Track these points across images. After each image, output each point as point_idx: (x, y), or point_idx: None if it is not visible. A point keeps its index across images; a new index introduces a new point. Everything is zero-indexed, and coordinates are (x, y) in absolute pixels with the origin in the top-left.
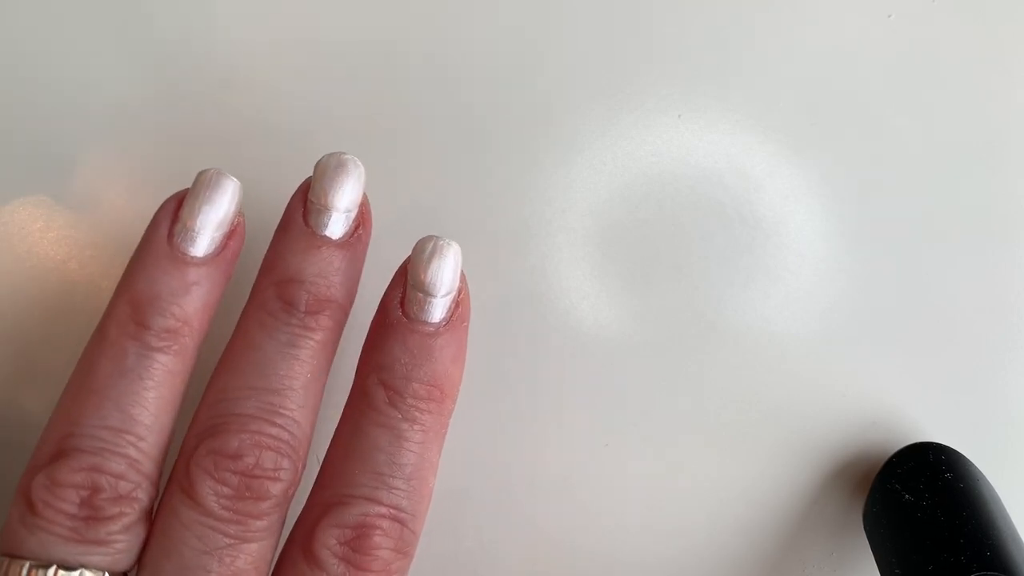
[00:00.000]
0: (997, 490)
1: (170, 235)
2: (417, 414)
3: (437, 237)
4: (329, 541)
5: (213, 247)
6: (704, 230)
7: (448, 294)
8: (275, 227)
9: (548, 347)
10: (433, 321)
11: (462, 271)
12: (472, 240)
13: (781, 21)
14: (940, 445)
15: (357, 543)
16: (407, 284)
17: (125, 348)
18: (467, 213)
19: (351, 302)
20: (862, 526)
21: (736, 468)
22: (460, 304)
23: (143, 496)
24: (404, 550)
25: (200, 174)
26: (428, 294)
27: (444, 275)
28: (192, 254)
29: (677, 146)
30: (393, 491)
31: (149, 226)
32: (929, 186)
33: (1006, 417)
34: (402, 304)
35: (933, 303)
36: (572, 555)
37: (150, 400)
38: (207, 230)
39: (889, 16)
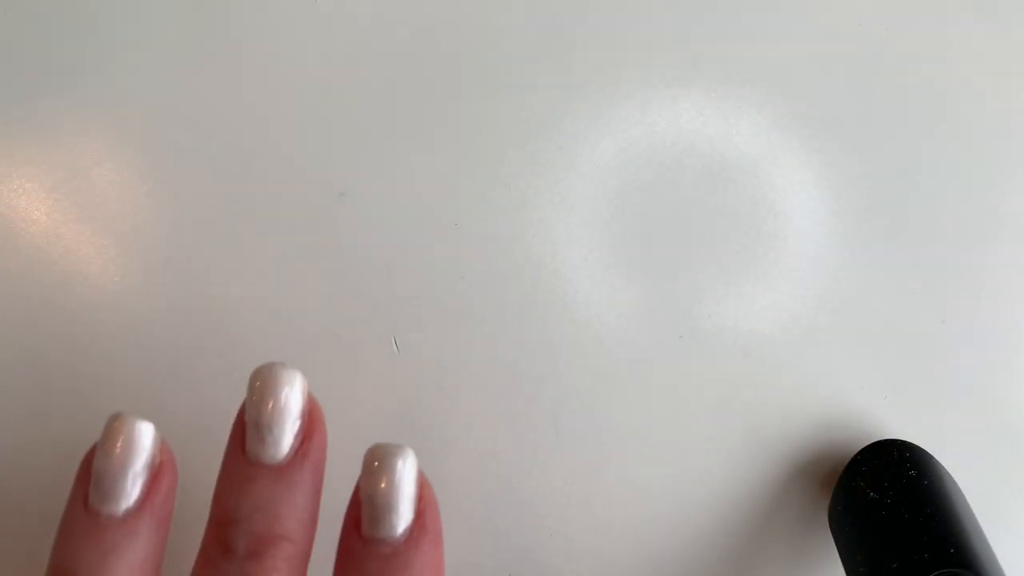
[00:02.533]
0: (961, 487)
1: (85, 498)
2: None
3: (386, 446)
4: None
5: (134, 498)
6: (678, 234)
7: (407, 506)
8: None
9: (525, 345)
10: (395, 537)
11: (422, 475)
12: (471, 240)
13: (784, 20)
14: (904, 442)
15: None
16: (361, 504)
17: None
18: (466, 213)
19: (309, 529)
20: (827, 524)
21: (701, 466)
22: (423, 513)
23: None
24: None
25: (108, 423)
26: (384, 513)
27: (402, 488)
28: (110, 513)
29: (657, 148)
30: None
31: (72, 487)
32: (898, 190)
33: (970, 414)
34: (358, 527)
35: (897, 303)
36: (541, 551)
37: None
38: (120, 485)
39: (890, 26)
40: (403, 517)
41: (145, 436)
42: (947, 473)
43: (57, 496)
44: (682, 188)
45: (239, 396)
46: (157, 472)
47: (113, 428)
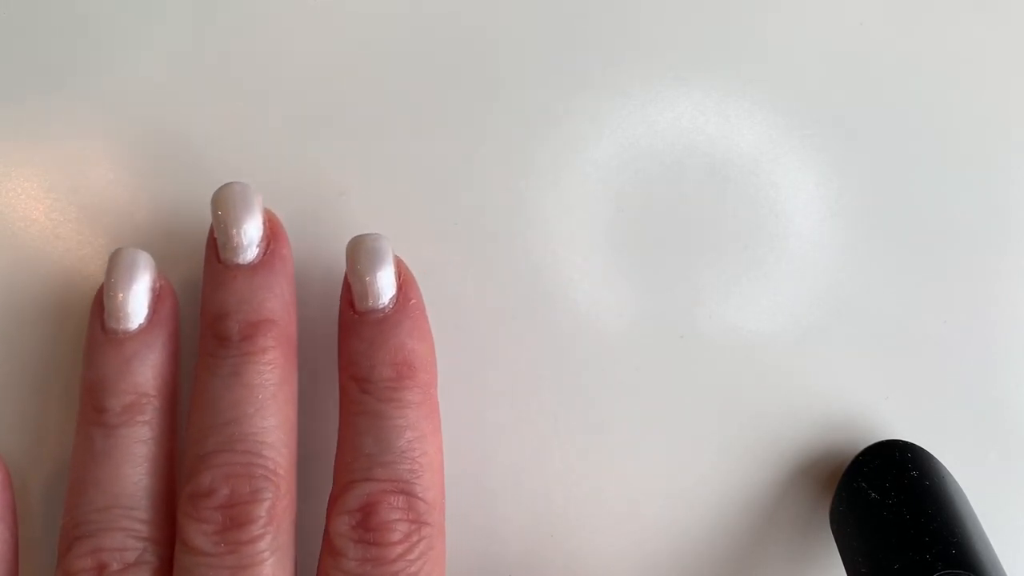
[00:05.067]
0: (963, 488)
1: (102, 324)
2: (391, 393)
3: (364, 236)
4: (341, 528)
5: (141, 319)
6: (678, 234)
7: (388, 283)
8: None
9: (525, 345)
10: (380, 307)
11: (395, 256)
12: (471, 239)
13: (785, 20)
14: (906, 443)
15: (367, 522)
16: (351, 286)
17: (91, 434)
18: (466, 213)
19: (289, 315)
20: (829, 524)
21: (702, 466)
22: (404, 286)
23: (152, 558)
24: (420, 519)
25: (111, 257)
26: (370, 290)
27: (380, 271)
28: (123, 330)
29: (657, 148)
30: (388, 466)
31: (88, 322)
32: (899, 190)
33: (972, 415)
34: (352, 305)
35: (899, 303)
36: (541, 551)
37: (129, 473)
38: (129, 306)
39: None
40: (388, 290)
41: (144, 260)
42: (949, 474)
43: (58, 497)
44: (683, 188)
45: None
46: (160, 293)
47: (115, 256)
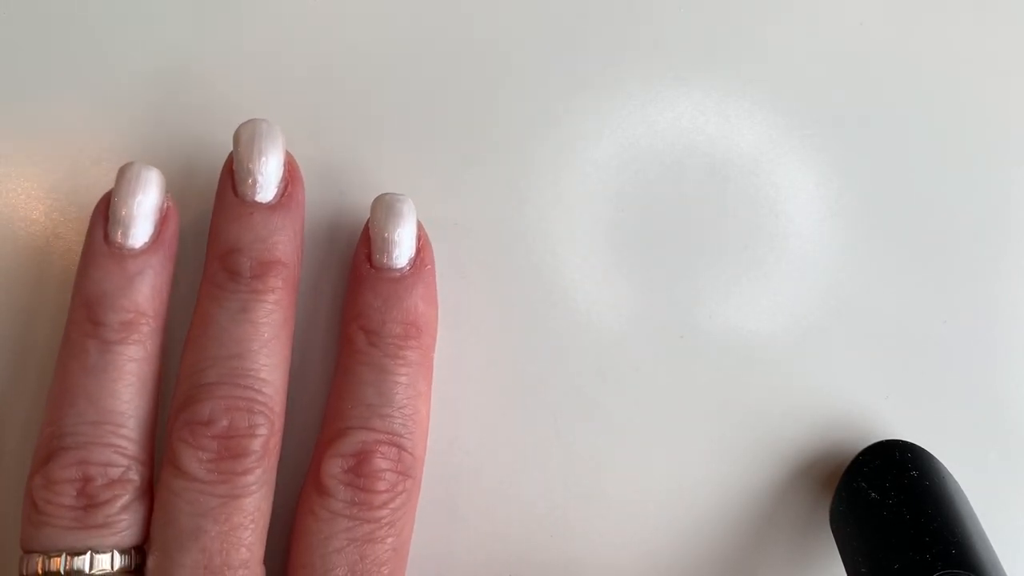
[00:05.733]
0: (963, 488)
1: (105, 235)
2: (397, 350)
3: (392, 194)
4: (334, 470)
5: (147, 236)
6: (678, 234)
7: (409, 243)
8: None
9: (525, 345)
10: (398, 266)
11: (418, 221)
12: (471, 239)
13: (785, 20)
14: (906, 443)
15: (359, 468)
16: (371, 240)
17: (87, 347)
18: (466, 213)
19: (297, 259)
20: (829, 524)
21: (702, 466)
22: (422, 250)
23: (135, 477)
24: (406, 472)
25: (121, 169)
26: (391, 247)
27: (404, 229)
28: (128, 246)
29: (657, 148)
30: (386, 418)
31: (87, 231)
32: (899, 190)
33: (972, 415)
34: (369, 259)
35: (899, 303)
36: (542, 552)
37: (121, 390)
38: (137, 222)
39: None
40: (407, 251)
41: (155, 177)
42: (949, 474)
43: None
44: (683, 188)
45: None
46: (165, 215)
47: (126, 169)
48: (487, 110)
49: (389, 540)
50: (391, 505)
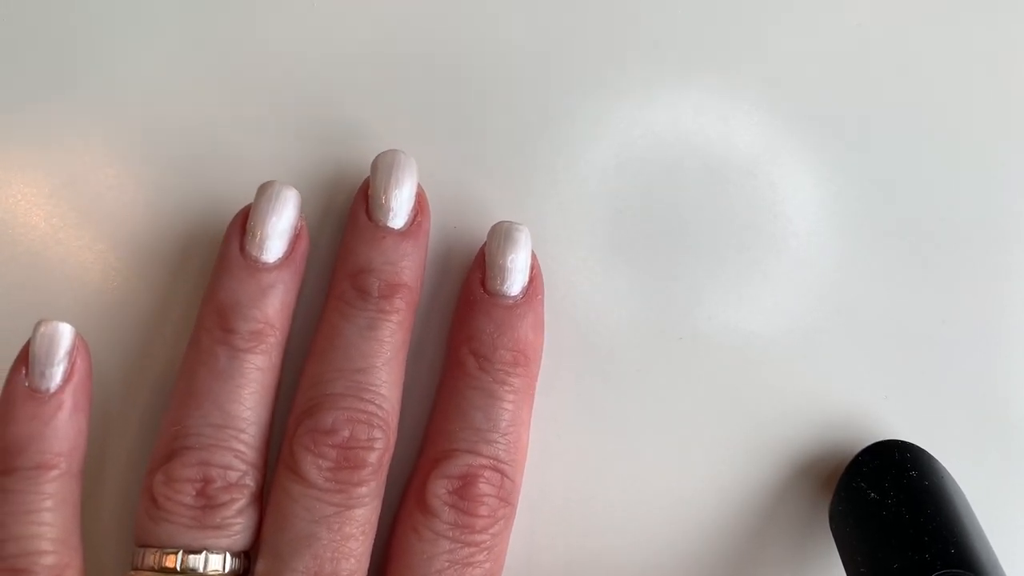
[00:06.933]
0: (963, 488)
1: (242, 247)
2: (506, 377)
3: (510, 222)
4: (439, 491)
5: (281, 252)
6: (677, 236)
7: (523, 271)
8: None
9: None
10: (512, 294)
11: (532, 251)
12: (470, 241)
13: (784, 20)
14: (906, 443)
15: (464, 491)
16: (486, 266)
17: (217, 353)
18: (464, 214)
19: (420, 285)
20: (828, 524)
21: (702, 467)
22: (534, 279)
23: (251, 482)
24: (507, 499)
25: (261, 188)
26: (506, 274)
27: (519, 256)
28: (264, 260)
29: (656, 149)
30: (492, 444)
31: (223, 242)
32: (898, 190)
33: (971, 415)
34: (483, 284)
35: (898, 304)
36: (542, 554)
37: (246, 396)
38: (274, 238)
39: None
40: (521, 279)
41: (292, 197)
42: (948, 474)
43: None
44: (681, 189)
45: None
46: (298, 233)
47: (266, 187)
48: (486, 111)
49: (487, 565)
50: (491, 530)
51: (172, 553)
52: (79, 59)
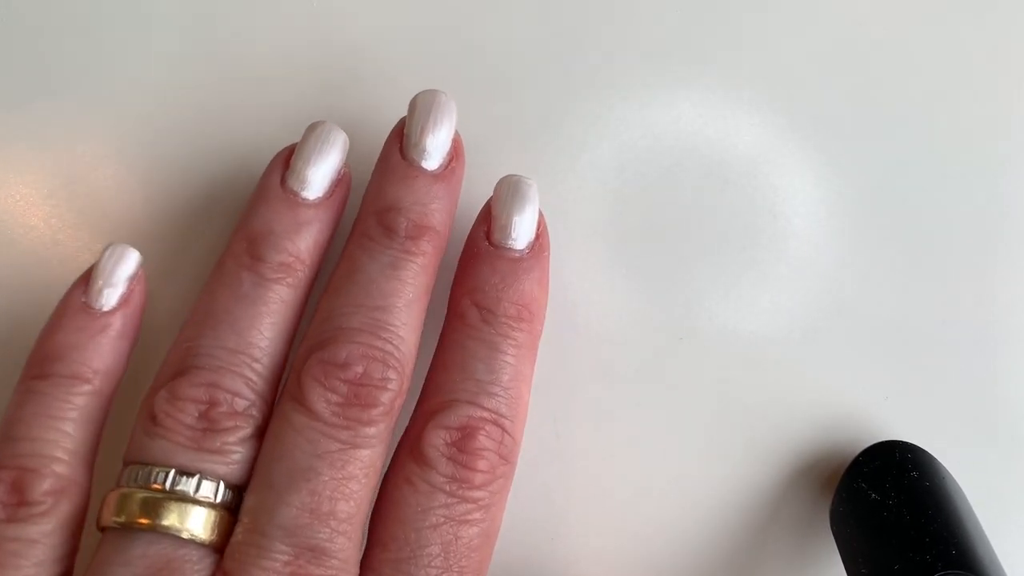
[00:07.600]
0: (963, 488)
1: (283, 180)
2: (509, 331)
3: (518, 176)
4: (436, 441)
5: (322, 192)
6: (677, 236)
7: (531, 225)
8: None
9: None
10: (518, 248)
11: (539, 208)
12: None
13: (783, 21)
14: (907, 444)
15: (463, 443)
16: (492, 218)
17: (241, 278)
18: (464, 215)
19: (448, 231)
20: (829, 525)
21: (702, 468)
22: (541, 236)
23: (257, 414)
24: (507, 456)
25: (311, 127)
26: (513, 226)
27: (527, 209)
28: (304, 196)
29: (656, 149)
30: (493, 396)
31: (264, 174)
32: (899, 190)
33: (972, 415)
34: (488, 236)
35: (898, 304)
36: (543, 555)
37: (265, 326)
38: (317, 178)
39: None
40: (528, 233)
41: (341, 140)
42: (949, 474)
43: None
44: (681, 189)
45: None
46: (342, 177)
47: (315, 127)
48: (485, 112)
49: (484, 525)
50: (489, 487)
51: (163, 471)
52: (79, 59)
